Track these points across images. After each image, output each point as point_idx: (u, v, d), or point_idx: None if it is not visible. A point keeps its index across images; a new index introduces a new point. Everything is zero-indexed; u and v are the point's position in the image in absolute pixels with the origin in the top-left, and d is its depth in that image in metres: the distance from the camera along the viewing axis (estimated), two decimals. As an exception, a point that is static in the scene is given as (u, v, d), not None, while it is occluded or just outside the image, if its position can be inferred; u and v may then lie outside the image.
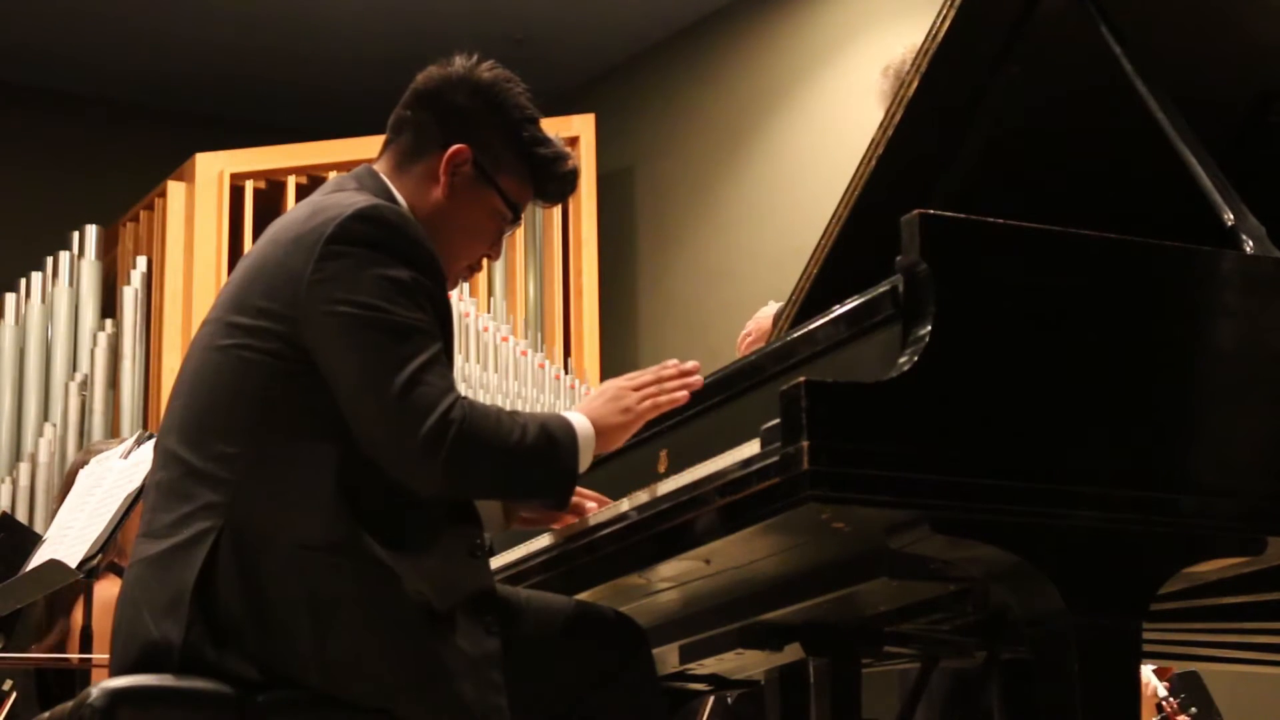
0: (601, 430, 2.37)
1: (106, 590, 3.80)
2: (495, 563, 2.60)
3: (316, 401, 2.23)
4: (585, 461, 2.35)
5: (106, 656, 2.40)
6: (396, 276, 2.24)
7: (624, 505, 2.43)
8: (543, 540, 2.63)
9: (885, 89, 3.95)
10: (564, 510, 2.47)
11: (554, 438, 2.30)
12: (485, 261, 2.53)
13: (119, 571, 4.21)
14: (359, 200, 2.33)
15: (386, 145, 2.50)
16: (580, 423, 2.34)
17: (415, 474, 2.22)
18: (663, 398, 2.43)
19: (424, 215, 2.40)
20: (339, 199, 2.34)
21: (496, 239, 2.51)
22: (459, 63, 2.49)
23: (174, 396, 2.38)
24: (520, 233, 7.37)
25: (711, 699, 4.01)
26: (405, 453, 2.20)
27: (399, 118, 2.50)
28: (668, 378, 2.44)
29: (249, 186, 7.04)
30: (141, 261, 7.04)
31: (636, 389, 2.44)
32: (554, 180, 2.52)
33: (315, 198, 2.41)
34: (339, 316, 2.22)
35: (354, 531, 2.20)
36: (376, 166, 2.48)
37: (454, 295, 6.87)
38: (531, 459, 2.28)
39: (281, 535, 2.19)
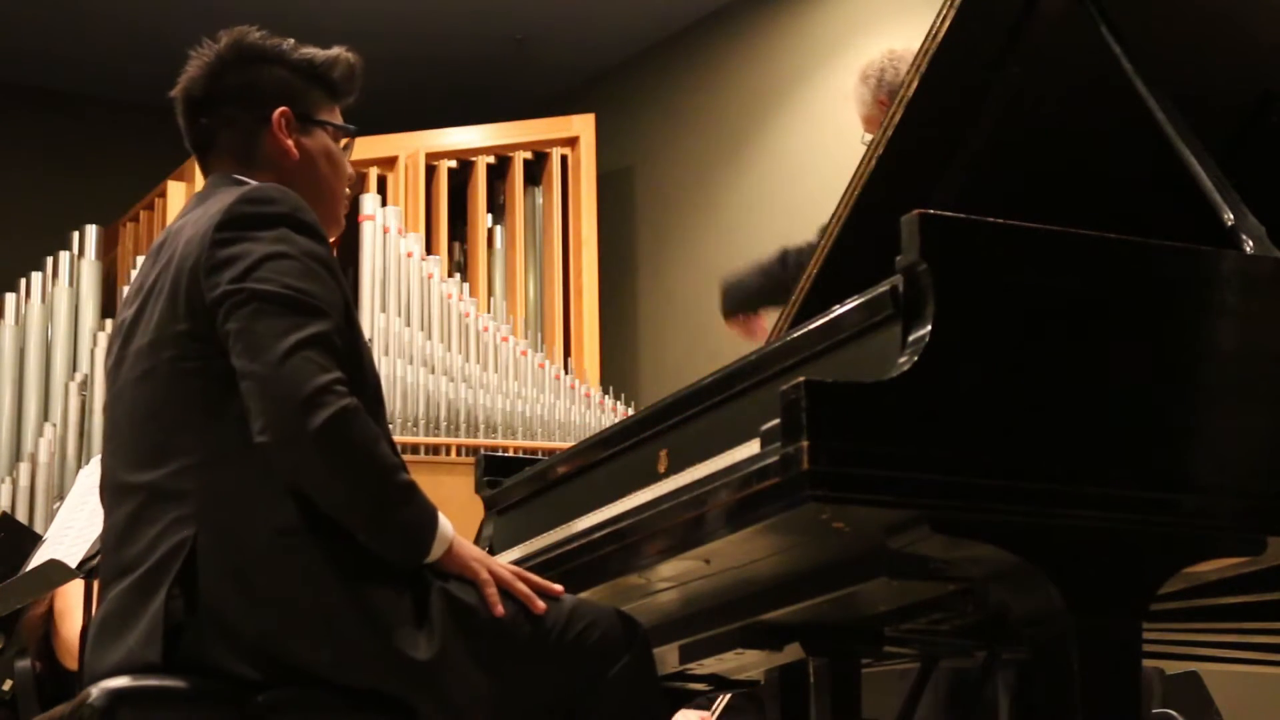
0: (456, 545, 2.28)
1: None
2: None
3: None
4: (437, 549, 2.26)
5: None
6: (283, 251, 2.27)
7: (624, 505, 2.43)
8: (543, 540, 2.63)
9: (865, 95, 3.98)
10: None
11: (421, 497, 2.25)
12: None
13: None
14: (240, 189, 2.37)
15: (207, 158, 2.55)
16: (443, 518, 2.29)
17: (284, 436, 2.15)
18: (519, 585, 2.31)
19: (298, 184, 2.45)
20: (222, 196, 2.37)
21: (347, 157, 2.60)
22: (201, 55, 2.57)
23: (112, 438, 2.39)
24: (520, 233, 7.37)
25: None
26: (280, 413, 2.15)
27: (201, 129, 2.55)
28: (531, 581, 2.34)
29: (249, 186, 7.03)
30: (141, 261, 7.03)
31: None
32: (345, 81, 2.60)
33: (197, 210, 2.41)
34: (228, 298, 2.24)
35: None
36: (220, 176, 2.50)
37: (454, 294, 6.89)
38: (397, 491, 2.21)
39: (260, 525, 2.20)
